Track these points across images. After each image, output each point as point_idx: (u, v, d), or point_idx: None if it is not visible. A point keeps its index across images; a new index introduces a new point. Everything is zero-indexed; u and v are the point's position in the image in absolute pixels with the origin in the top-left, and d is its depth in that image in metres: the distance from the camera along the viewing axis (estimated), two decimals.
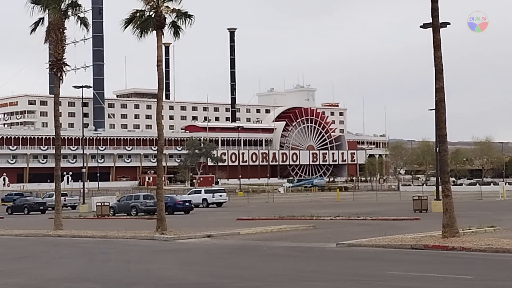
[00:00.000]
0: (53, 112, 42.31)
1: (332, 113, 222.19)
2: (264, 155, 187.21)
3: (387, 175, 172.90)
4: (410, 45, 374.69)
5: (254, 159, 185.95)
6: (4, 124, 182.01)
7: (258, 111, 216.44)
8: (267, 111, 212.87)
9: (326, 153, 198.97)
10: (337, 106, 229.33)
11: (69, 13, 40.22)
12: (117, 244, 30.64)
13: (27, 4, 40.07)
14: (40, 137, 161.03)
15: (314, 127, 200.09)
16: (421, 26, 35.19)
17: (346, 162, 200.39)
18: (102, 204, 59.58)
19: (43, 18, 40.84)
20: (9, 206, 74.12)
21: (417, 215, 46.19)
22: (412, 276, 18.35)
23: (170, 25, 36.54)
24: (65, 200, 70.85)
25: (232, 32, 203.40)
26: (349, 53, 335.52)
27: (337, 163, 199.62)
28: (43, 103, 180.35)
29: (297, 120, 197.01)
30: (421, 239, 27.02)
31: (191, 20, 36.50)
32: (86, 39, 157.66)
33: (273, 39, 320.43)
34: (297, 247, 27.51)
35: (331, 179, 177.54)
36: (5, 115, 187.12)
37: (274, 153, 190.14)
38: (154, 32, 36.10)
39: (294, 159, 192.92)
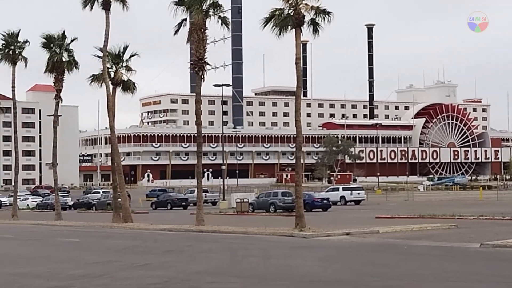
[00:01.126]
0: (195, 110, 43.43)
1: (474, 110, 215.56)
2: (403, 153, 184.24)
3: None
4: None
5: (392, 157, 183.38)
6: (148, 122, 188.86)
7: (396, 107, 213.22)
8: (406, 108, 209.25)
9: (468, 151, 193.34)
10: (480, 102, 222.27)
11: (210, 13, 41.18)
12: (256, 240, 31.06)
13: (170, 5, 41.41)
14: (181, 134, 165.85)
15: (455, 124, 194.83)
16: None
17: (489, 160, 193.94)
18: (242, 200, 60.55)
19: (185, 19, 42.11)
20: (153, 202, 76.78)
21: None
22: None
23: (309, 23, 36.65)
24: (205, 196, 72.47)
25: (370, 28, 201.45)
26: (493, 47, 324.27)
27: (479, 161, 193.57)
28: (185, 101, 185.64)
29: (438, 117, 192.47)
30: None
31: (330, 17, 36.44)
32: (226, 38, 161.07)
33: (412, 34, 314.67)
34: (439, 246, 26.86)
35: (474, 177, 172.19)
36: (149, 113, 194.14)
37: (413, 151, 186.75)
38: (293, 30, 36.31)
39: (434, 156, 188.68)
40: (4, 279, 19.12)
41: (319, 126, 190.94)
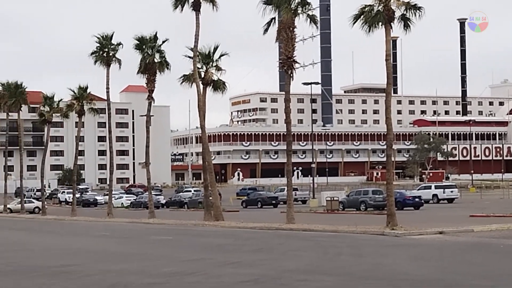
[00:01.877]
0: (284, 108, 43.50)
1: None
2: (498, 150, 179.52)
3: None
4: None
5: (487, 154, 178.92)
6: (237, 121, 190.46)
7: (490, 103, 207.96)
8: (501, 103, 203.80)
9: None
10: None
11: (299, 11, 41.17)
12: (347, 238, 30.88)
13: (259, 5, 41.61)
14: (271, 133, 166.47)
15: None
16: None
17: None
18: (332, 199, 60.31)
19: (274, 18, 42.26)
20: (243, 200, 77.34)
21: None
22: None
23: (399, 19, 36.16)
24: (295, 195, 72.50)
25: (462, 23, 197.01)
26: None
27: None
28: (274, 100, 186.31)
29: None
30: None
31: (421, 12, 35.85)
32: (314, 36, 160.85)
33: (506, 28, 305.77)
34: None
35: None
36: (239, 112, 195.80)
37: (508, 147, 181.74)
38: (383, 26, 35.90)
39: None
40: (101, 275, 19.66)
41: (410, 123, 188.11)
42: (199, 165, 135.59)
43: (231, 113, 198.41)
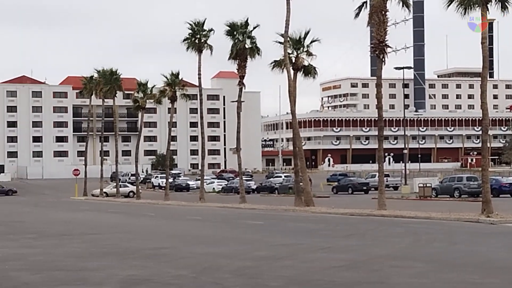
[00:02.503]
0: (375, 94, 43.01)
1: None
2: None
3: None
4: None
5: None
6: (328, 107, 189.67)
7: None
8: None
9: None
10: None
11: None
12: (440, 225, 30.35)
13: None
14: (362, 119, 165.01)
15: None
16: None
17: None
18: (424, 185, 59.33)
19: (366, 1, 41.75)
20: (334, 186, 77.05)
21: None
22: None
23: (497, 0, 35.07)
24: (387, 181, 71.64)
25: None
26: None
27: None
28: (365, 85, 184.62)
29: None
30: None
31: None
32: (407, 20, 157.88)
33: None
34: None
35: None
36: (329, 98, 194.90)
37: None
38: (479, 8, 34.91)
39: None
40: (195, 259, 19.98)
41: (507, 108, 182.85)
42: (289, 150, 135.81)
43: (322, 98, 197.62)
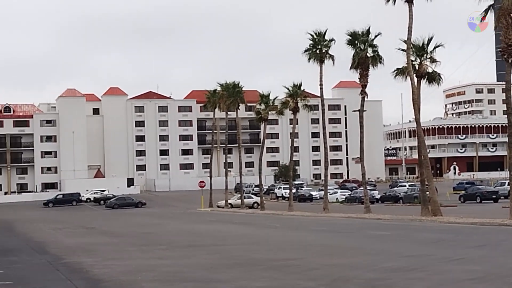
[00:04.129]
0: (503, 99, 41.60)
1: None
2: None
3: None
4: None
5: None
6: (452, 114, 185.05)
7: None
8: None
9: None
10: None
11: None
12: None
13: None
14: (488, 125, 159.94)
15: None
16: None
17: None
18: None
19: (492, 4, 40.54)
20: (461, 195, 74.96)
21: None
22: None
23: None
24: None
25: None
26: None
27: None
28: (491, 91, 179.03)
29: None
30: None
31: None
32: None
33: None
34: None
35: None
36: (453, 104, 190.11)
37: None
38: None
39: None
40: (323, 270, 19.91)
41: None
42: (413, 159, 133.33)
43: (445, 105, 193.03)
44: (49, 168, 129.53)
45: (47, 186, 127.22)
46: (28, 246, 33.15)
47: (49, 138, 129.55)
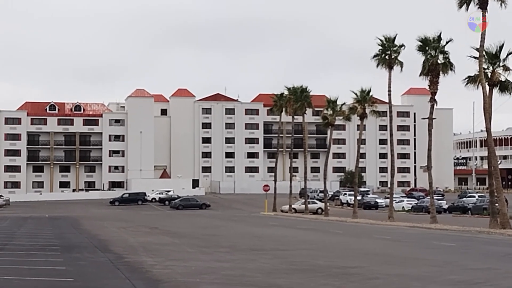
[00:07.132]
0: None
1: None
2: None
3: None
4: None
5: None
6: None
7: None
8: None
9: None
10: None
11: None
12: None
13: None
14: None
15: None
16: None
17: None
18: None
19: None
20: None
21: None
22: None
23: None
24: None
25: None
26: None
27: None
28: None
29: None
30: None
31: None
32: None
33: None
34: None
35: None
36: None
37: None
38: None
39: None
40: (384, 280, 19.46)
41: None
42: (483, 169, 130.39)
43: None
44: (116, 167, 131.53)
45: (114, 184, 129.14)
46: (92, 244, 33.55)
47: (117, 137, 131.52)
